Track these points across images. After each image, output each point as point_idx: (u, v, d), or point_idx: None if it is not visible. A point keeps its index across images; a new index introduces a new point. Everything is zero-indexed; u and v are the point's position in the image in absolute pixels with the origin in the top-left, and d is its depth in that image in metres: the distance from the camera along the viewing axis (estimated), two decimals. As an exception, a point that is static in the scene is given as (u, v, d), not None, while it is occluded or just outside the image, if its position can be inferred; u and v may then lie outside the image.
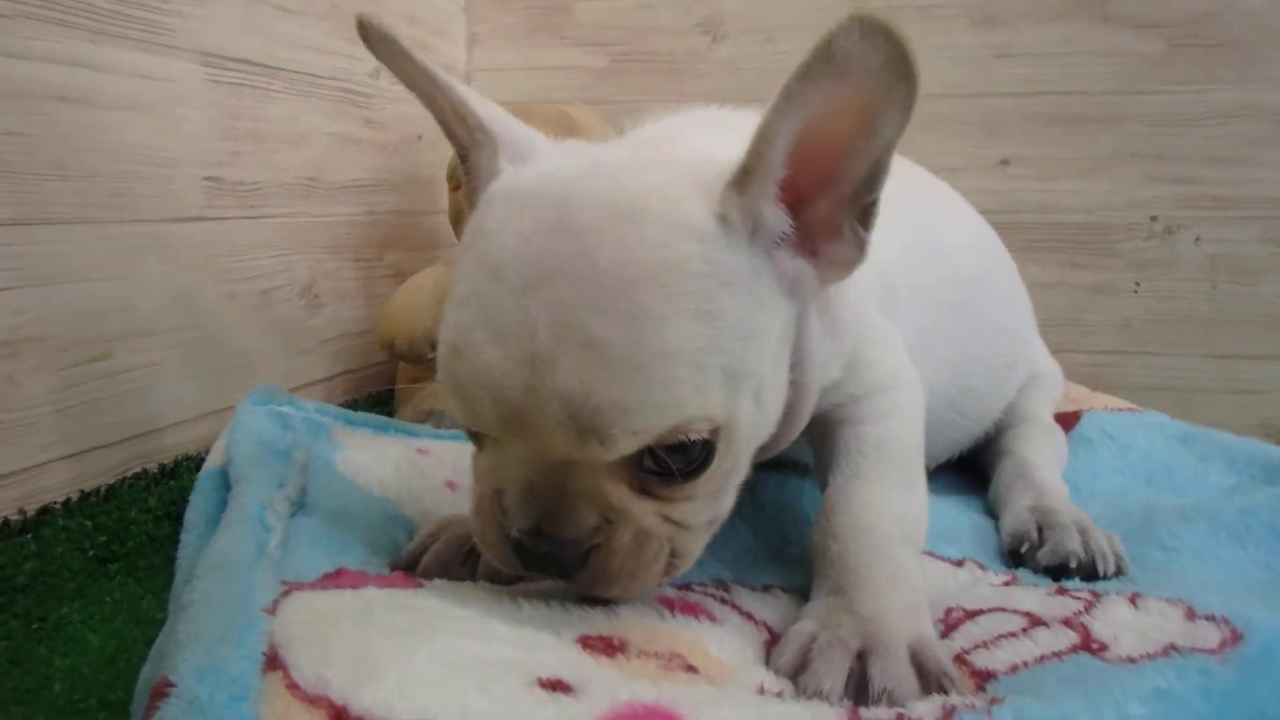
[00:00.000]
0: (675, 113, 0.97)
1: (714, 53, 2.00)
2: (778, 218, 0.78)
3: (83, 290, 1.17)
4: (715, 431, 0.75)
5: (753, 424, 0.79)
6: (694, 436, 0.73)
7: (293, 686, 0.63)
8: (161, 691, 0.60)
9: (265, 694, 0.62)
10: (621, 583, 0.76)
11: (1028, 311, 1.43)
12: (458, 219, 1.69)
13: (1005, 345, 1.30)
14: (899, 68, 0.69)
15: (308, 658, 0.65)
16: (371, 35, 0.83)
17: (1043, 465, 1.22)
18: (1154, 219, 1.88)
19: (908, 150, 0.84)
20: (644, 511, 0.75)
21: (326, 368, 1.64)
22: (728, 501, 0.82)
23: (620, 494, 0.75)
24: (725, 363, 0.74)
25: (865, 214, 0.79)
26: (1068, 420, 1.44)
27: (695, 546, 0.80)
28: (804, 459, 1.03)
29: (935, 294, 1.13)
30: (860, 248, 0.80)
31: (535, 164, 0.82)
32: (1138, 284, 1.90)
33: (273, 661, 0.65)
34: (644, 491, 0.75)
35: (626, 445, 0.71)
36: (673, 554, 0.78)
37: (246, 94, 1.41)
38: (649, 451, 0.73)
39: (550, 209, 0.74)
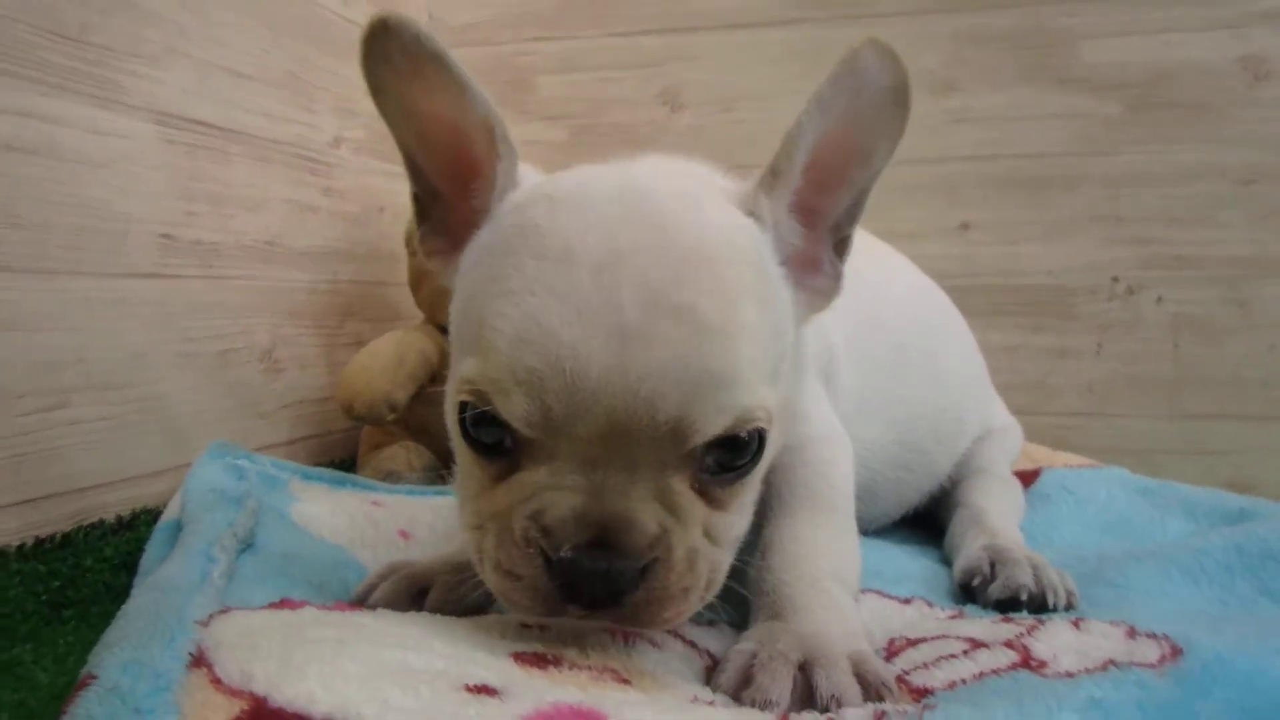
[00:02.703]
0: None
1: (674, 122, 2.03)
2: (792, 229, 0.82)
3: (37, 340, 1.17)
4: (769, 423, 0.75)
5: (779, 434, 0.80)
6: (756, 426, 0.73)
7: (216, 681, 0.62)
8: (83, 683, 0.60)
9: (187, 686, 0.61)
10: (675, 603, 0.72)
11: (979, 367, 1.44)
12: (417, 283, 1.70)
13: (951, 401, 1.31)
14: (900, 93, 0.76)
15: (233, 658, 0.65)
16: (398, 34, 0.78)
17: (997, 513, 1.23)
18: (1115, 280, 1.88)
19: (867, 216, 0.87)
20: (696, 520, 0.73)
21: (287, 432, 1.63)
22: (748, 518, 0.82)
23: (685, 494, 0.73)
24: (776, 358, 0.77)
25: (840, 247, 0.86)
26: (1026, 478, 1.44)
27: (725, 568, 0.78)
28: None
29: (872, 355, 1.16)
30: (837, 280, 0.86)
31: (558, 176, 0.83)
32: (1100, 346, 1.90)
33: (199, 660, 0.65)
34: (701, 494, 0.74)
35: (712, 426, 0.70)
36: (709, 580, 0.76)
37: (202, 155, 1.43)
38: (712, 450, 0.73)
39: (612, 200, 0.76)
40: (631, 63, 2.06)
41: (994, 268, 1.93)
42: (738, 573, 0.82)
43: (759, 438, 0.75)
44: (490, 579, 0.74)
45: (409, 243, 1.68)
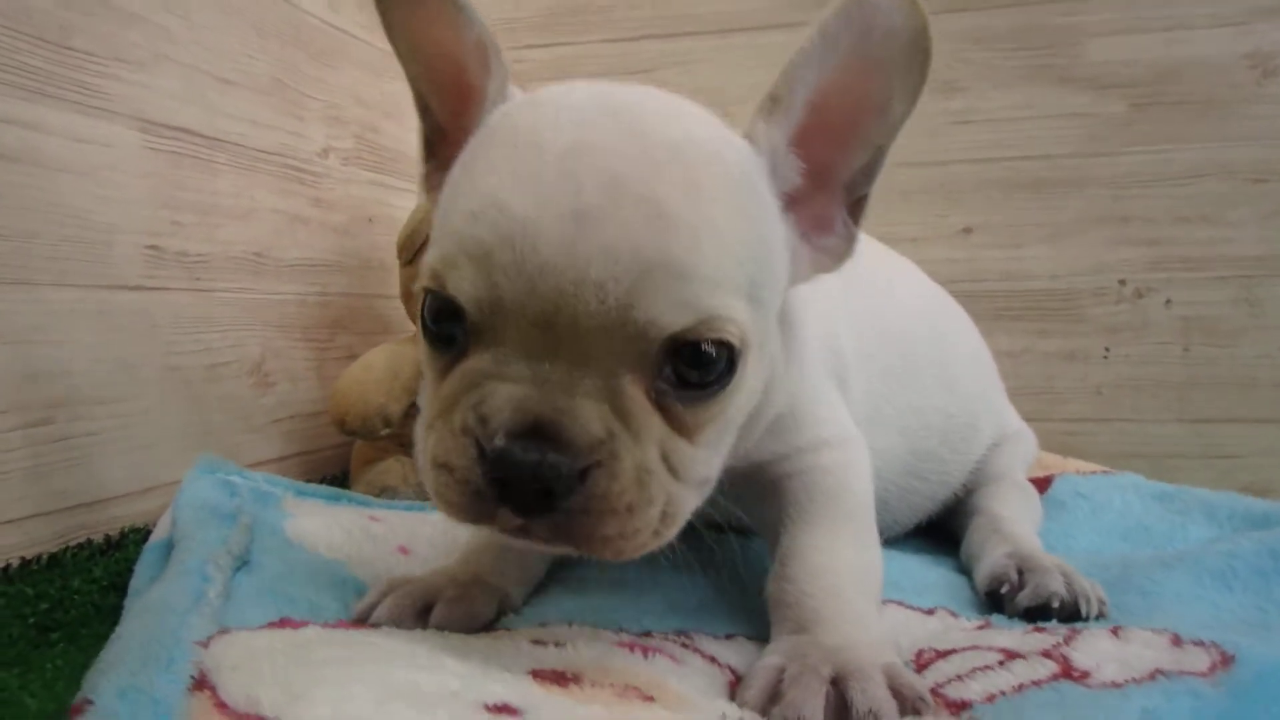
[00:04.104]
0: None
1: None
2: (791, 164, 0.79)
3: (20, 353, 1.13)
4: (741, 344, 0.70)
5: (754, 375, 0.76)
6: (724, 336, 0.69)
7: (220, 705, 0.60)
8: (79, 709, 0.58)
9: (190, 712, 0.59)
10: (618, 521, 0.67)
11: (991, 372, 1.41)
12: (408, 296, 1.66)
13: (963, 407, 1.28)
14: (920, 38, 0.73)
15: (237, 681, 0.62)
16: None
17: (1016, 520, 1.20)
18: (1123, 283, 1.85)
19: (867, 220, 0.84)
20: (650, 436, 0.68)
21: (279, 448, 1.59)
22: (717, 463, 0.77)
23: (638, 402, 0.68)
24: (754, 276, 0.72)
25: (856, 208, 0.82)
26: (1039, 485, 1.41)
27: (686, 508, 0.73)
28: (747, 522, 1.00)
29: (881, 362, 1.13)
30: (850, 242, 0.82)
31: (545, 88, 0.80)
32: (1108, 350, 1.87)
33: (200, 683, 0.62)
34: (660, 409, 0.69)
35: (667, 320, 0.66)
36: (664, 512, 0.70)
37: (188, 164, 1.38)
38: (671, 358, 0.68)
39: (592, 100, 0.73)
40: (625, 69, 2.03)
41: (998, 271, 1.90)
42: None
43: (728, 358, 0.70)
44: (428, 478, 0.70)
45: (401, 253, 1.64)
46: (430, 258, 0.71)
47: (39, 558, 1.13)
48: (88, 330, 1.22)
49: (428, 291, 0.72)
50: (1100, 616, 0.95)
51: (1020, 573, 1.02)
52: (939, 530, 1.32)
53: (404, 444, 1.57)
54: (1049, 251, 1.88)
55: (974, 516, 1.23)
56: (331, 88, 1.73)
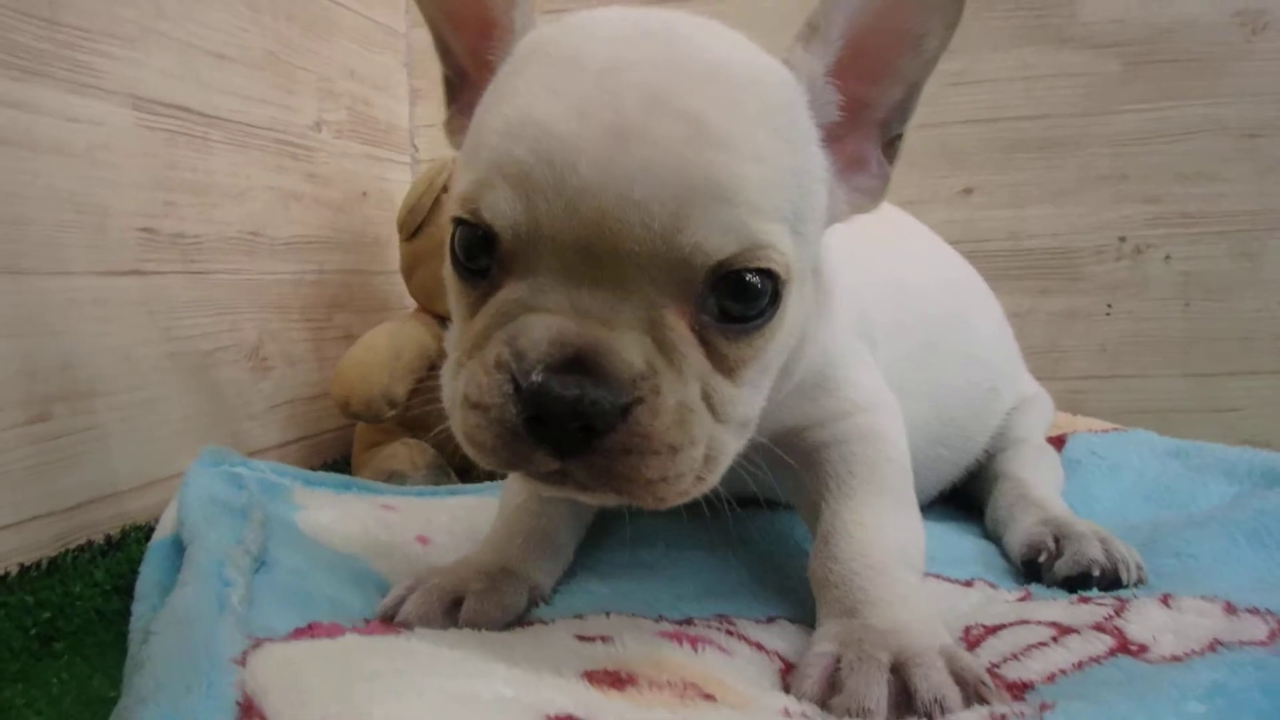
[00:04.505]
0: None
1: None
2: (829, 96, 0.76)
3: (16, 346, 1.09)
4: (785, 275, 0.68)
5: (795, 313, 0.73)
6: (768, 265, 0.66)
7: None
8: None
9: None
10: (660, 462, 0.63)
11: (1008, 340, 1.39)
12: (410, 271, 1.63)
13: (985, 376, 1.27)
14: None
15: (288, 704, 0.58)
16: None
17: (1040, 484, 1.19)
18: (1123, 240, 1.85)
19: None
20: (692, 371, 0.65)
21: (279, 434, 1.56)
22: (758, 404, 0.74)
23: (681, 334, 0.65)
24: (796, 206, 0.70)
25: (890, 148, 0.81)
26: (1054, 444, 1.40)
27: (728, 451, 0.70)
28: (780, 494, 0.98)
29: (908, 329, 1.11)
30: (885, 181, 0.81)
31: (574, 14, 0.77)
32: (1110, 307, 1.87)
33: (248, 710, 0.58)
34: (703, 342, 0.67)
35: (713, 246, 0.63)
36: (706, 454, 0.67)
37: (181, 142, 1.34)
38: (714, 288, 0.65)
39: (630, 20, 0.71)
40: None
41: (999, 232, 1.89)
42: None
43: (773, 289, 0.68)
44: (457, 420, 0.67)
45: (402, 229, 1.60)
46: (461, 183, 0.68)
47: (38, 563, 1.09)
48: (85, 319, 1.18)
49: (458, 221, 0.68)
50: (1139, 582, 0.94)
51: (1057, 540, 1.00)
52: (959, 496, 1.31)
53: (408, 426, 1.54)
54: (1049, 211, 1.87)
55: (998, 482, 1.22)
56: (324, 60, 1.69)
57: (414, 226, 1.56)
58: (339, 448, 1.71)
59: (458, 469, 1.50)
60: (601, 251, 0.63)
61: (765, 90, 0.70)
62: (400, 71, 2.03)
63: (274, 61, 1.55)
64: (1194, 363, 1.85)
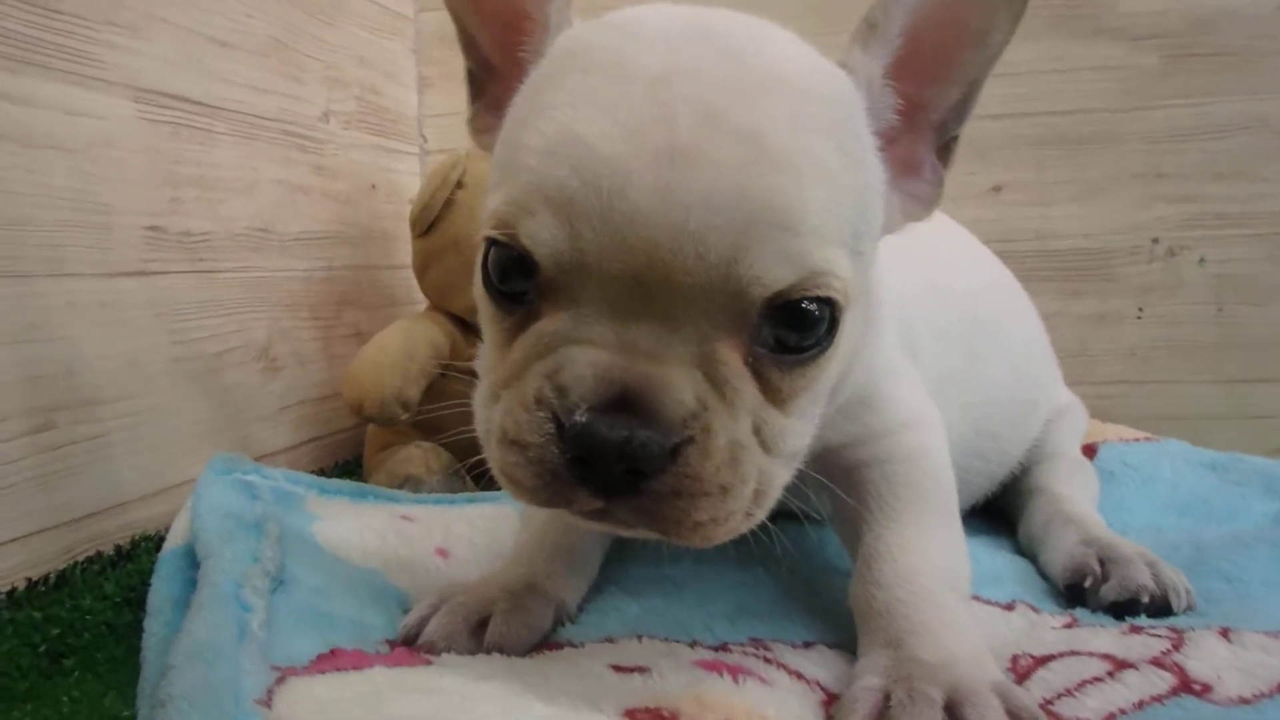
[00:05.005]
0: None
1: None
2: (887, 100, 0.72)
3: (17, 354, 1.04)
4: (844, 301, 0.64)
5: (850, 337, 0.69)
6: (828, 294, 0.62)
7: None
8: None
9: None
10: (710, 504, 0.60)
11: (1046, 348, 1.36)
12: (423, 269, 1.57)
13: (1024, 386, 1.23)
14: None
15: None
16: None
17: (1077, 499, 1.16)
18: (1156, 241, 1.80)
19: None
20: (745, 406, 0.62)
21: (289, 436, 1.51)
22: (809, 434, 0.70)
23: (734, 368, 0.61)
24: (856, 225, 0.65)
25: (944, 151, 0.78)
26: (1084, 454, 1.37)
27: (778, 485, 0.67)
28: (816, 510, 0.95)
29: (952, 338, 1.07)
30: (939, 187, 0.78)
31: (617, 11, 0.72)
32: (1141, 310, 1.82)
33: None
34: (756, 375, 0.63)
35: (772, 277, 0.59)
36: (756, 490, 0.64)
37: (186, 135, 1.29)
38: (769, 318, 0.61)
39: (675, 20, 0.66)
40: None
41: (1029, 231, 1.84)
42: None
43: (830, 317, 0.64)
44: (493, 456, 0.63)
45: (414, 226, 1.54)
46: (497, 203, 0.63)
47: (46, 577, 1.05)
48: (88, 323, 1.13)
49: (492, 242, 0.64)
50: (1189, 608, 0.91)
51: (1102, 563, 0.97)
52: (989, 508, 1.27)
53: (422, 426, 1.49)
54: (1081, 210, 1.82)
55: (1033, 496, 1.18)
56: (332, 47, 1.63)
57: (427, 223, 1.51)
58: (351, 448, 1.66)
59: (472, 472, 1.45)
60: (651, 283, 0.58)
61: (826, 101, 0.66)
62: (409, 58, 1.97)
63: (280, 49, 1.49)
64: (1225, 369, 1.80)
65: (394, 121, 1.86)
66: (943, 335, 1.05)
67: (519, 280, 0.63)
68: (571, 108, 0.61)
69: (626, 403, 0.57)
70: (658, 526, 0.61)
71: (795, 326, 0.62)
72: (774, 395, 0.64)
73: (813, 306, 0.62)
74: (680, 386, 0.58)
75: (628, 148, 0.58)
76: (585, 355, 0.59)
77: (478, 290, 0.68)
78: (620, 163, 0.57)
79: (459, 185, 1.49)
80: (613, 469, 0.57)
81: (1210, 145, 1.76)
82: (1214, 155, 1.76)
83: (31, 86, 1.06)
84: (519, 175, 0.62)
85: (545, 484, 0.60)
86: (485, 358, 0.69)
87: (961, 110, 0.76)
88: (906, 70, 0.72)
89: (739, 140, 0.58)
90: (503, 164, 0.67)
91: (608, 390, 0.57)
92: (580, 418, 0.57)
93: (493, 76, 0.79)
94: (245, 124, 1.41)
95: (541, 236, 0.59)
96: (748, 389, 0.62)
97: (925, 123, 0.76)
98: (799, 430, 0.68)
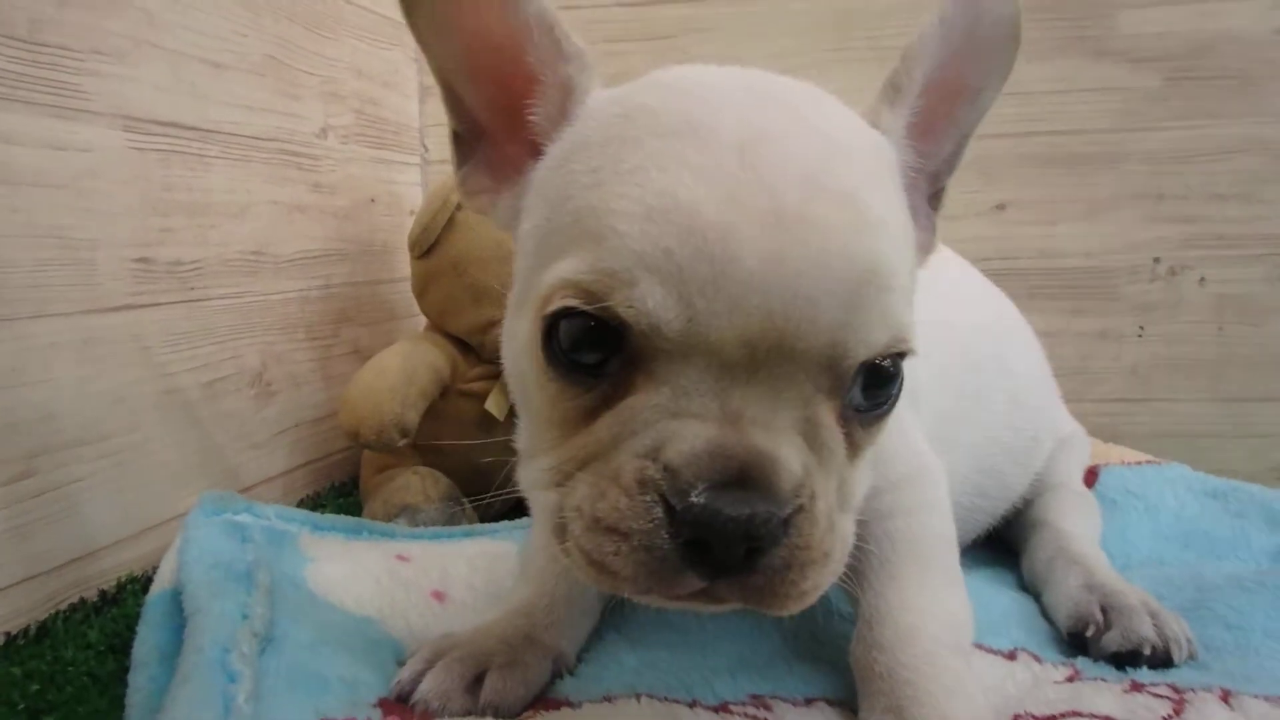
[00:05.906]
0: None
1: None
2: (909, 156, 0.74)
3: (-4, 400, 1.01)
4: (907, 355, 0.64)
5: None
6: (907, 349, 0.62)
7: None
8: None
9: None
10: (816, 570, 0.58)
11: (1048, 381, 1.35)
12: (423, 289, 1.55)
13: (1027, 421, 1.22)
14: (1018, 23, 0.73)
15: None
16: None
17: (1081, 537, 1.15)
18: (1157, 260, 1.80)
19: None
20: (836, 467, 0.61)
21: (283, 461, 1.48)
22: (869, 480, 0.70)
23: (832, 432, 0.60)
24: (912, 279, 0.67)
25: (935, 198, 0.80)
26: (1085, 477, 1.37)
27: (848, 541, 0.64)
28: None
29: (953, 378, 1.06)
30: (933, 234, 0.80)
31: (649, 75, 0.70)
32: (1142, 328, 1.82)
33: None
34: (846, 435, 0.62)
35: (874, 339, 0.58)
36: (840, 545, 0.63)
37: (177, 162, 1.26)
38: (857, 379, 0.61)
39: (734, 83, 0.66)
40: (642, 34, 1.89)
41: (1031, 249, 1.83)
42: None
43: (899, 377, 0.64)
44: (581, 545, 0.58)
45: (414, 247, 1.52)
46: (571, 271, 0.59)
47: (26, 629, 1.02)
48: (71, 363, 1.10)
49: (563, 314, 0.60)
50: (1191, 657, 0.92)
51: (1105, 611, 0.97)
52: (993, 538, 1.26)
53: (420, 451, 1.47)
54: (1083, 229, 1.82)
55: (1037, 530, 1.18)
56: (329, 61, 1.60)
57: (427, 245, 1.48)
58: (347, 469, 1.64)
59: (470, 496, 1.43)
60: (761, 350, 0.56)
61: (884, 159, 0.68)
62: (410, 66, 1.93)
63: (275, 66, 1.46)
64: (1226, 387, 1.80)
65: (394, 132, 1.83)
66: (944, 375, 1.03)
67: (592, 353, 0.60)
68: (660, 170, 0.58)
69: (743, 478, 0.55)
70: (765, 602, 0.58)
71: (880, 384, 0.63)
72: (854, 451, 0.64)
73: (888, 363, 0.62)
74: (790, 456, 0.57)
75: (734, 213, 0.55)
76: (691, 429, 0.56)
77: (530, 365, 0.64)
78: (729, 228, 0.55)
79: (460, 207, 1.47)
80: (734, 549, 0.54)
81: (1210, 166, 1.76)
82: (1214, 176, 1.76)
83: (13, 123, 1.03)
84: (609, 241, 0.57)
85: (649, 571, 0.56)
86: (538, 435, 0.65)
87: (953, 161, 0.79)
88: (918, 128, 0.74)
89: (839, 203, 0.58)
90: (561, 240, 0.63)
91: (725, 466, 0.55)
92: (698, 499, 0.54)
93: (482, 138, 0.77)
94: (239, 145, 1.38)
95: (646, 306, 0.56)
96: (839, 449, 0.61)
97: (922, 174, 0.77)
98: (863, 481, 0.68)
